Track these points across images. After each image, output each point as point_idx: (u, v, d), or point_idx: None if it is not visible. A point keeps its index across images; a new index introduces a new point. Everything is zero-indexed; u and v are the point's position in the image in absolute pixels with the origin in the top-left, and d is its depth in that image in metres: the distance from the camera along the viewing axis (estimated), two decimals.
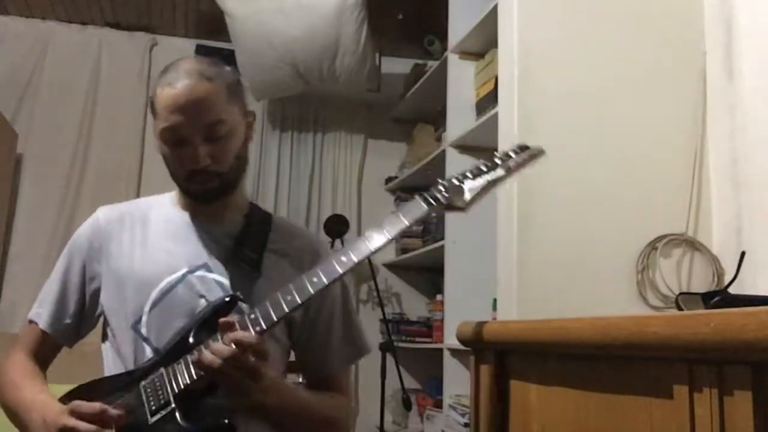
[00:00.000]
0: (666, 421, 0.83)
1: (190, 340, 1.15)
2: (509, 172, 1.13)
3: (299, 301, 1.08)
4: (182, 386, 1.11)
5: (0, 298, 3.36)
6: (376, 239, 1.09)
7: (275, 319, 1.08)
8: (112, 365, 1.27)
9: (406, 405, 3.03)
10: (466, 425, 2.43)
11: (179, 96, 1.19)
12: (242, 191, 1.36)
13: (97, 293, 1.30)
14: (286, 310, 1.08)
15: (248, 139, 1.31)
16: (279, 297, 1.09)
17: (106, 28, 3.74)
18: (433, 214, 1.19)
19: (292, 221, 1.43)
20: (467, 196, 1.10)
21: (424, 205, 1.11)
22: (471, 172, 1.14)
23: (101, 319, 1.33)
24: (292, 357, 1.37)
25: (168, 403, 1.10)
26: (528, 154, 1.15)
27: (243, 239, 1.30)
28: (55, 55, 3.64)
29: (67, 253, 1.35)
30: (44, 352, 1.33)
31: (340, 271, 1.09)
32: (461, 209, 1.12)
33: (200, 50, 3.75)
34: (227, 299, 1.19)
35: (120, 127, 3.63)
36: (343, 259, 1.09)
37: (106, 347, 1.30)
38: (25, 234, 3.44)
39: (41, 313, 1.32)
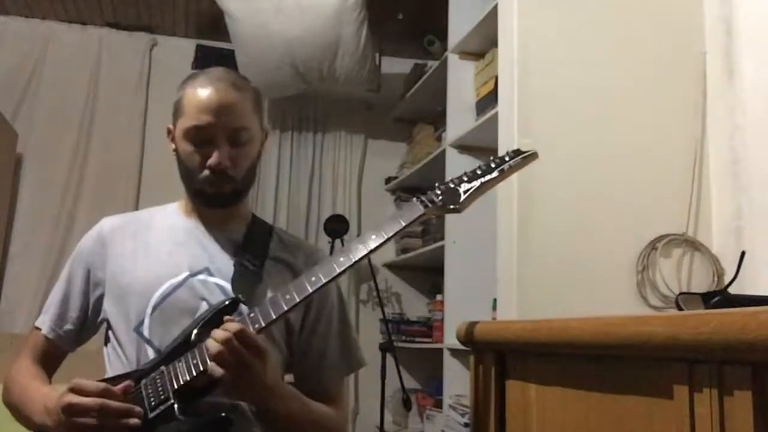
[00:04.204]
0: (666, 421, 0.83)
1: (192, 339, 1.16)
2: (503, 174, 1.20)
3: (297, 299, 1.10)
4: (182, 382, 1.11)
5: (0, 298, 3.36)
6: (373, 240, 1.13)
7: (273, 317, 1.10)
8: (114, 367, 1.28)
9: (406, 405, 3.03)
10: (466, 425, 2.43)
11: (211, 97, 1.25)
12: (246, 203, 1.41)
13: (100, 300, 1.33)
14: (285, 308, 1.10)
15: (260, 153, 1.36)
16: (278, 297, 1.12)
17: (106, 28, 3.73)
18: (432, 216, 1.25)
19: (291, 233, 1.49)
20: (462, 197, 1.17)
21: (421, 207, 1.17)
22: (467, 175, 1.21)
23: (104, 324, 1.35)
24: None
25: (167, 399, 1.11)
26: (521, 157, 1.22)
27: (245, 246, 1.33)
28: (55, 55, 3.64)
29: (72, 261, 1.37)
30: (49, 357, 1.35)
31: (339, 270, 1.11)
32: (456, 210, 1.18)
33: (200, 50, 3.74)
34: (229, 301, 1.21)
35: (120, 127, 3.63)
36: (342, 259, 1.12)
37: (108, 350, 1.31)
38: (25, 234, 3.44)
39: (45, 319, 1.34)
